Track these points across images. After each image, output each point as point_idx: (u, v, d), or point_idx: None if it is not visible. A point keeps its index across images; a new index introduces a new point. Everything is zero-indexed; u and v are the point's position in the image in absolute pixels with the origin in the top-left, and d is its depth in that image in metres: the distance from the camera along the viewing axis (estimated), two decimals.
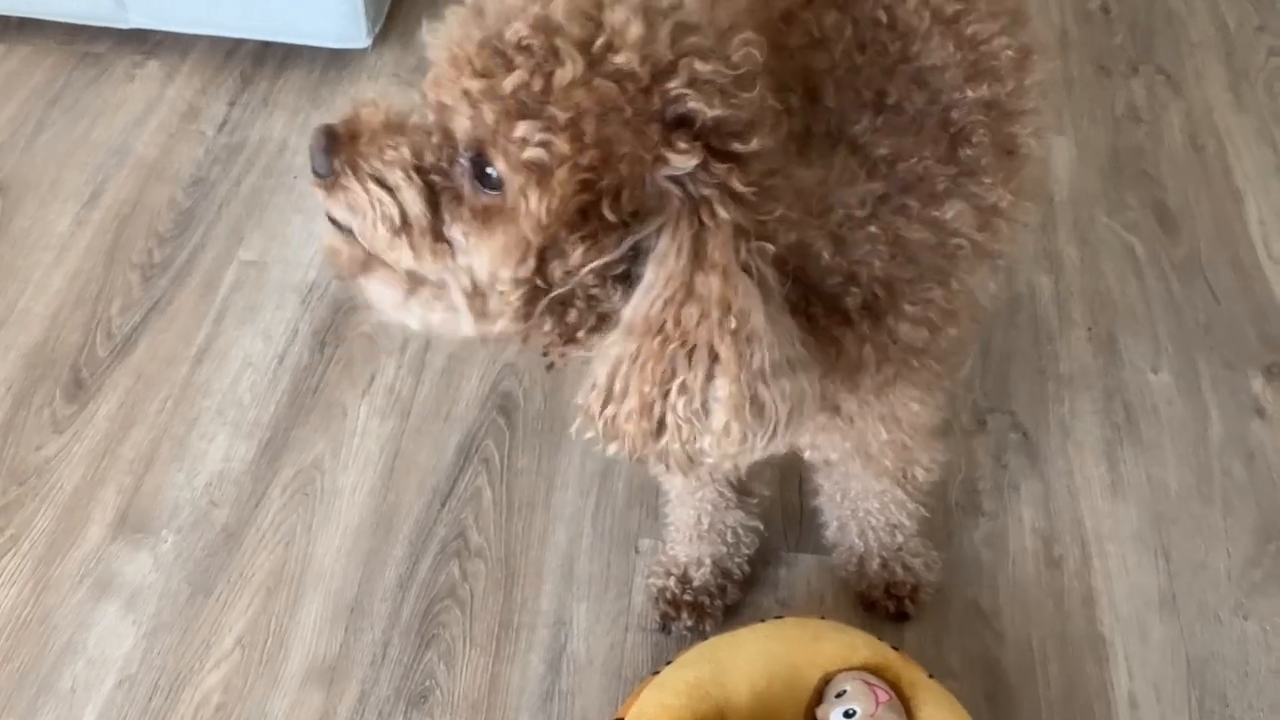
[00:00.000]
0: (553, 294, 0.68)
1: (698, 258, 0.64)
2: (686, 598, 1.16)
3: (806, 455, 0.96)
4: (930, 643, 1.17)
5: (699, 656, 1.02)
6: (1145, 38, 1.84)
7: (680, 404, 0.66)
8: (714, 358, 0.65)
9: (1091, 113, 1.72)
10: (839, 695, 0.96)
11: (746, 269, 0.64)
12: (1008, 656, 1.16)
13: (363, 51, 1.75)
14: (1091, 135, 1.68)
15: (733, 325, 0.64)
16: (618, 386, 0.67)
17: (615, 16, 0.64)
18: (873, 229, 0.77)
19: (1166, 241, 1.55)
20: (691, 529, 1.14)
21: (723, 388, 0.65)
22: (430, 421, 1.34)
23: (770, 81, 0.71)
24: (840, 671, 0.99)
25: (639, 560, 1.23)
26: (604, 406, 0.68)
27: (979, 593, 1.21)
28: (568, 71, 0.62)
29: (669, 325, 0.65)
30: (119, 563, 1.21)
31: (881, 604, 1.18)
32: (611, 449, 0.69)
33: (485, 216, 0.65)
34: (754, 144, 0.65)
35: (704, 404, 0.66)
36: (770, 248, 0.66)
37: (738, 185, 0.64)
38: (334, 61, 1.76)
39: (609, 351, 0.67)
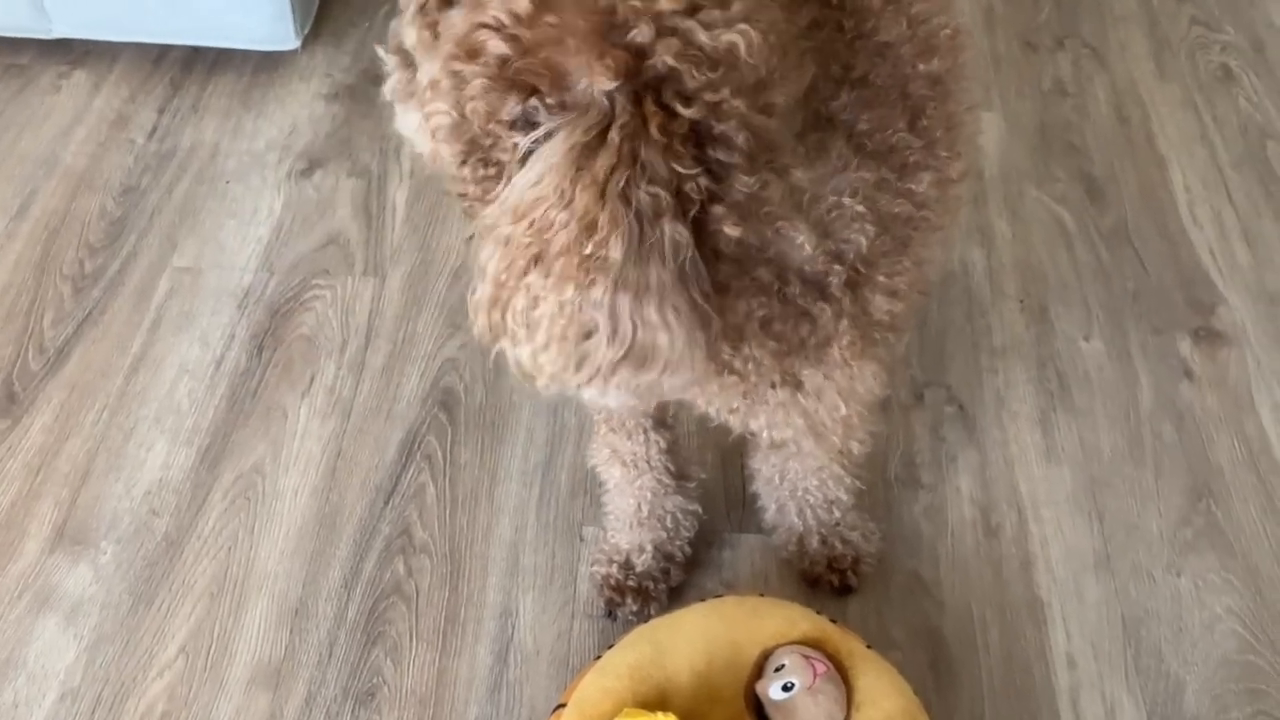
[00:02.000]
0: (472, 135, 0.68)
1: (580, 168, 0.63)
2: (630, 583, 1.16)
3: (762, 436, 0.97)
4: (873, 615, 1.18)
5: (639, 639, 1.02)
6: (1070, 12, 1.87)
7: (518, 305, 0.65)
8: (557, 272, 0.63)
9: (1019, 88, 1.74)
10: (778, 669, 0.97)
11: (627, 201, 0.63)
12: (949, 625, 1.18)
13: (293, 53, 1.74)
14: (1019, 110, 1.71)
15: (586, 249, 0.62)
16: (485, 267, 0.66)
17: None
18: (860, 208, 0.78)
19: (1094, 212, 1.57)
20: (631, 516, 1.15)
21: (549, 304, 0.63)
22: (371, 420, 1.34)
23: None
24: (779, 646, 1.00)
25: (584, 549, 1.23)
26: (474, 290, 0.67)
27: (919, 564, 1.22)
28: None
29: (535, 220, 0.64)
30: (58, 576, 1.20)
31: (825, 579, 1.19)
32: (480, 337, 0.68)
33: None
34: (692, 110, 0.64)
35: (534, 314, 0.64)
36: (668, 203, 0.65)
37: (654, 132, 0.63)
38: (264, 64, 1.75)
39: (487, 227, 0.67)
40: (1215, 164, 1.63)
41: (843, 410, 0.90)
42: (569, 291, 0.63)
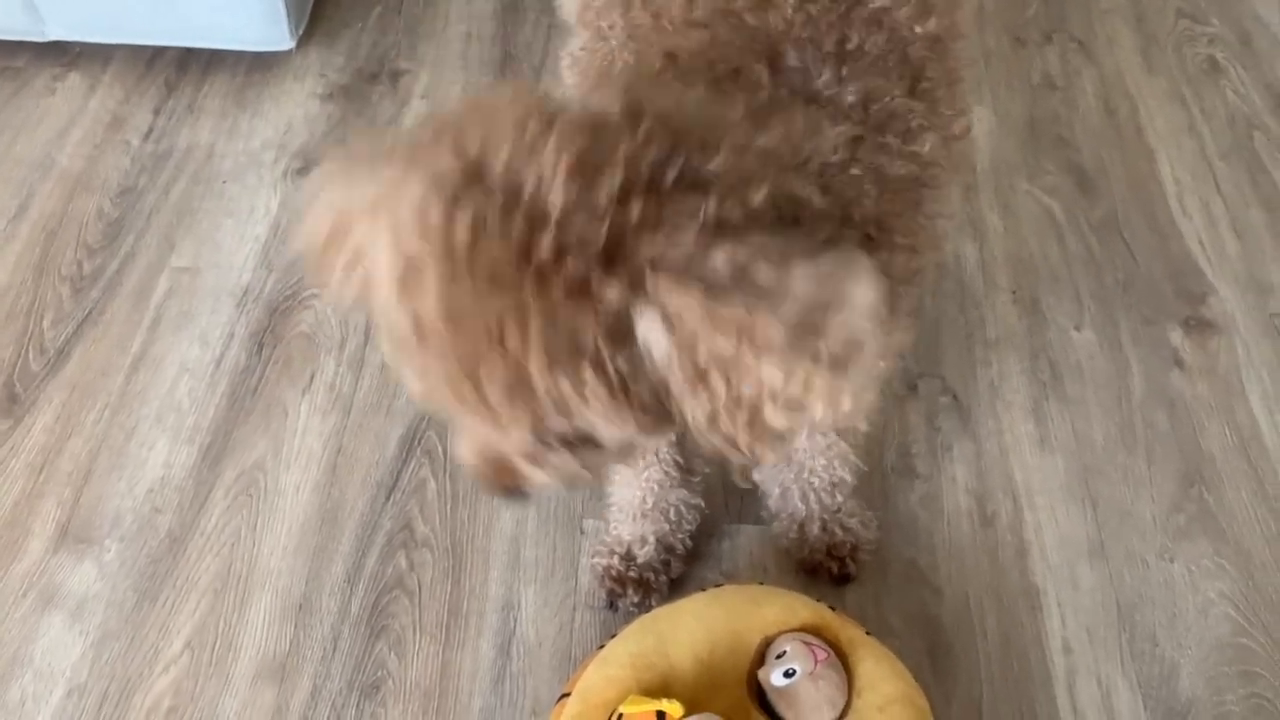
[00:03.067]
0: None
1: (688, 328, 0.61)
2: (632, 574, 1.18)
3: None
4: (871, 604, 1.20)
5: (641, 629, 1.04)
6: (1058, 7, 1.88)
7: (768, 409, 0.63)
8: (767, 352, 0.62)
9: (1009, 83, 1.76)
10: (779, 656, 0.99)
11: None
12: (946, 612, 1.19)
13: (287, 53, 1.74)
14: (1009, 105, 1.72)
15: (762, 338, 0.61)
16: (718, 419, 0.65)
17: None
18: (855, 171, 0.78)
19: (1085, 204, 1.59)
20: (636, 508, 1.16)
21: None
22: (372, 416, 1.35)
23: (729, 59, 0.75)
24: (780, 634, 1.02)
25: (584, 541, 1.24)
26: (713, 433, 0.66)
27: (916, 552, 1.24)
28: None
29: (710, 366, 0.62)
30: (63, 574, 1.21)
31: (825, 566, 1.20)
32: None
33: None
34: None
35: (789, 399, 0.63)
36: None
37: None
38: (259, 64, 1.76)
39: (690, 409, 0.65)
40: (1203, 155, 1.65)
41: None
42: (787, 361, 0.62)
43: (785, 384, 0.62)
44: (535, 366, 0.60)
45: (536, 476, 0.73)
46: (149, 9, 1.67)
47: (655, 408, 0.65)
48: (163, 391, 1.37)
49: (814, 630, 1.02)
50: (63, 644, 1.16)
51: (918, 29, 0.86)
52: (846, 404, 0.64)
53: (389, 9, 1.85)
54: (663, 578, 1.19)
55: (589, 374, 0.61)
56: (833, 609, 1.07)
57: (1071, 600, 1.20)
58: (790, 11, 0.84)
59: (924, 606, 1.20)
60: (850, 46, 0.83)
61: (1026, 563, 1.23)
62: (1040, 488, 1.29)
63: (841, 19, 0.84)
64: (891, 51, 0.85)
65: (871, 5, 0.85)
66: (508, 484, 0.74)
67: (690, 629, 1.02)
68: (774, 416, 0.63)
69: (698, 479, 1.19)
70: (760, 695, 0.99)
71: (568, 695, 1.03)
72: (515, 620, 1.19)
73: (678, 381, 0.63)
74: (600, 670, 1.01)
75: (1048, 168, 1.64)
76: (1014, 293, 1.48)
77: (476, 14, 1.85)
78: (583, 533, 1.25)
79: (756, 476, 1.22)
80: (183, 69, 1.76)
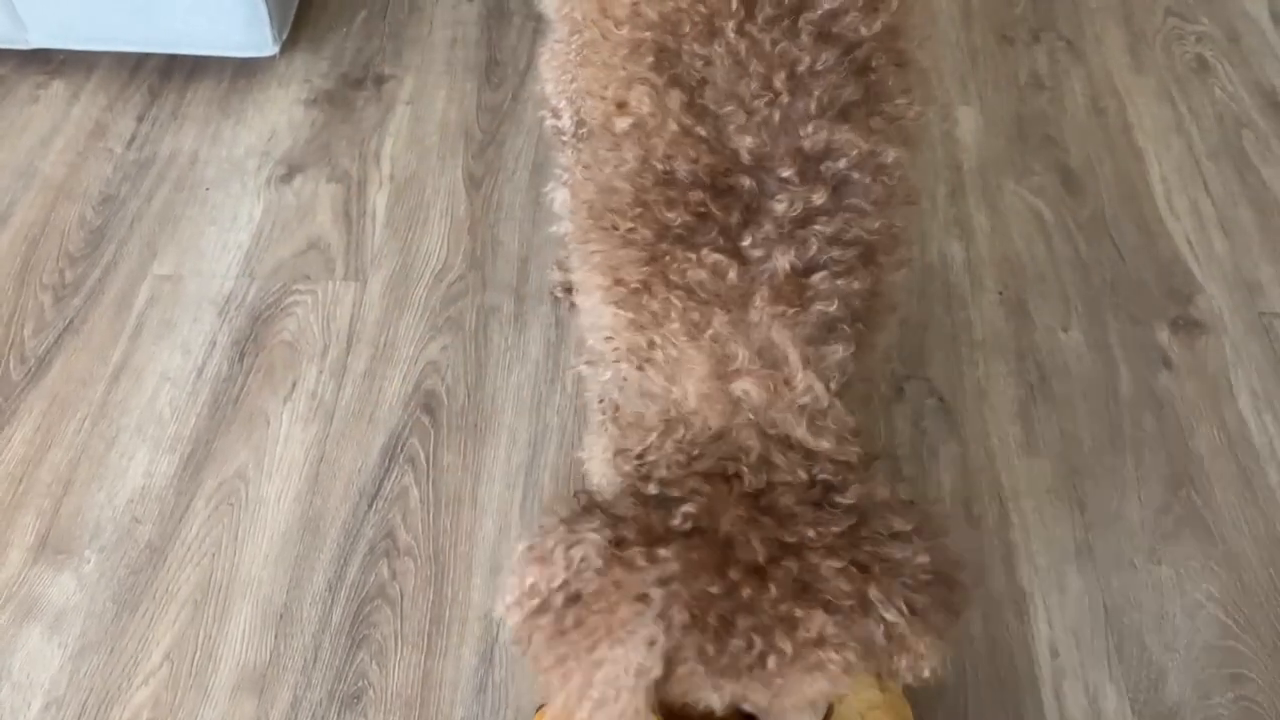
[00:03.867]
0: None
1: None
2: None
3: None
4: None
5: None
6: (1045, 6, 1.87)
7: None
8: None
9: (996, 82, 1.75)
10: None
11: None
12: None
13: (271, 59, 1.74)
14: (997, 104, 1.71)
15: None
16: None
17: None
18: (841, 283, 0.79)
19: (1072, 204, 1.58)
20: None
21: None
22: (354, 425, 1.34)
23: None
24: None
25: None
26: None
27: None
28: None
29: None
30: (41, 585, 1.20)
31: None
32: None
33: None
34: None
35: None
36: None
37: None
38: (243, 70, 1.75)
39: None
40: (1192, 154, 1.64)
41: None
42: None
43: None
44: None
45: None
46: (132, 16, 1.66)
47: None
48: (144, 401, 1.36)
49: None
50: (41, 656, 1.15)
51: (863, 30, 0.85)
52: None
53: (373, 14, 1.84)
54: None
55: None
56: None
57: (1058, 603, 1.19)
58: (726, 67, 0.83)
59: None
60: (800, 67, 0.82)
61: (1013, 566, 1.22)
62: (1027, 490, 1.28)
63: (788, 55, 0.82)
64: (845, 63, 0.83)
65: (820, 9, 0.84)
66: None
67: None
68: None
69: None
70: None
71: (543, 707, 1.02)
72: (498, 628, 1.18)
73: None
74: None
75: (1035, 167, 1.63)
76: (1001, 293, 1.47)
77: (461, 19, 1.84)
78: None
79: None
80: (166, 76, 1.75)
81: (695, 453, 0.76)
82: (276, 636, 1.17)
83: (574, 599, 0.71)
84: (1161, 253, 1.52)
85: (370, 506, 1.27)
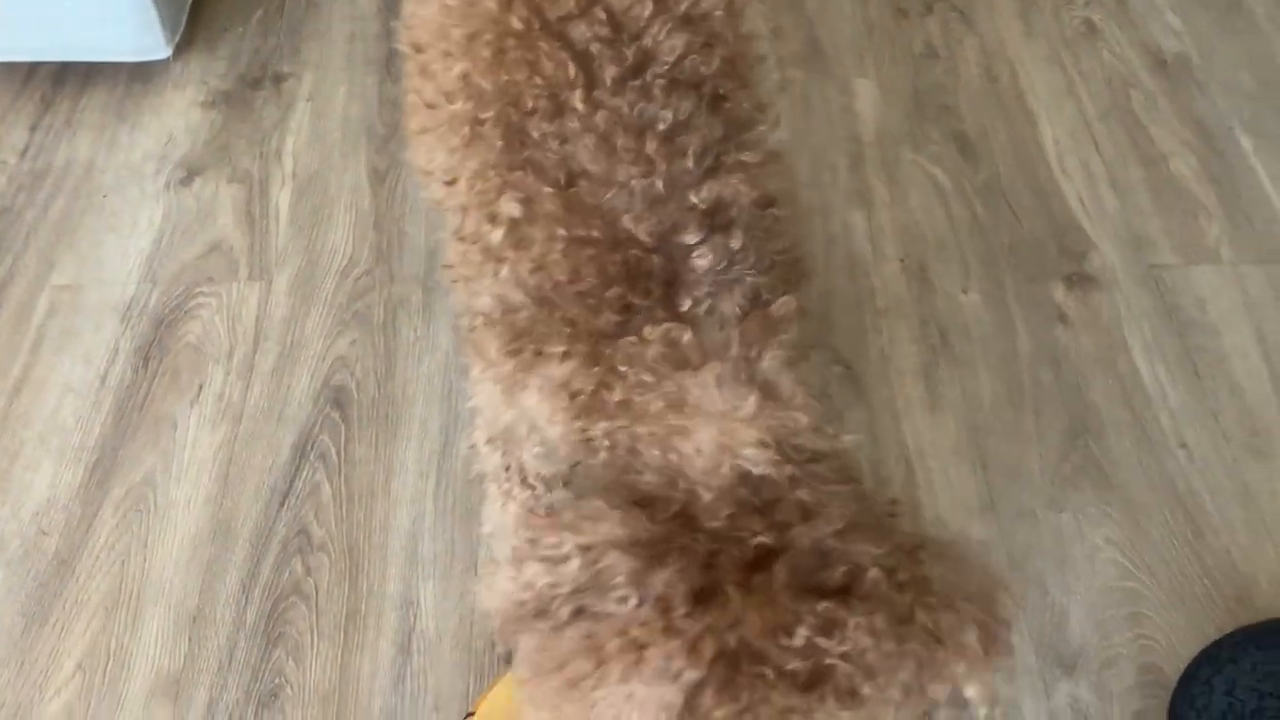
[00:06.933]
0: None
1: None
2: None
3: None
4: None
5: None
6: None
7: None
8: None
9: (892, 54, 1.78)
10: None
11: None
12: None
13: (165, 62, 1.71)
14: (893, 76, 1.74)
15: None
16: None
17: None
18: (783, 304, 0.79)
19: (969, 170, 1.61)
20: None
21: None
22: (263, 424, 1.33)
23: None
24: None
25: (483, 533, 1.24)
26: None
27: None
28: None
29: None
30: None
31: None
32: None
33: None
34: None
35: None
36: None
37: None
38: (138, 74, 1.72)
39: None
40: (1082, 117, 1.69)
41: None
42: None
43: None
44: None
45: None
46: (19, 24, 1.63)
47: None
48: (46, 412, 1.34)
49: None
50: None
51: (704, 70, 0.84)
52: None
53: (270, 12, 1.83)
54: None
55: None
56: None
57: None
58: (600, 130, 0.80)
59: None
60: (662, 126, 0.80)
61: (920, 524, 1.25)
62: (932, 450, 1.31)
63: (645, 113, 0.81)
64: (701, 111, 0.82)
65: (662, 62, 0.83)
66: None
67: None
68: None
69: None
70: None
71: (472, 715, 1.02)
72: (415, 616, 1.18)
73: None
74: (505, 690, 1.01)
75: (932, 136, 1.66)
76: (902, 260, 1.50)
77: (360, 14, 1.83)
78: (481, 525, 1.25)
79: None
80: (59, 84, 1.72)
81: (738, 493, 0.69)
82: (191, 640, 1.16)
83: (582, 612, 0.64)
84: (1055, 213, 1.56)
85: (282, 504, 1.27)
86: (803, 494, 0.67)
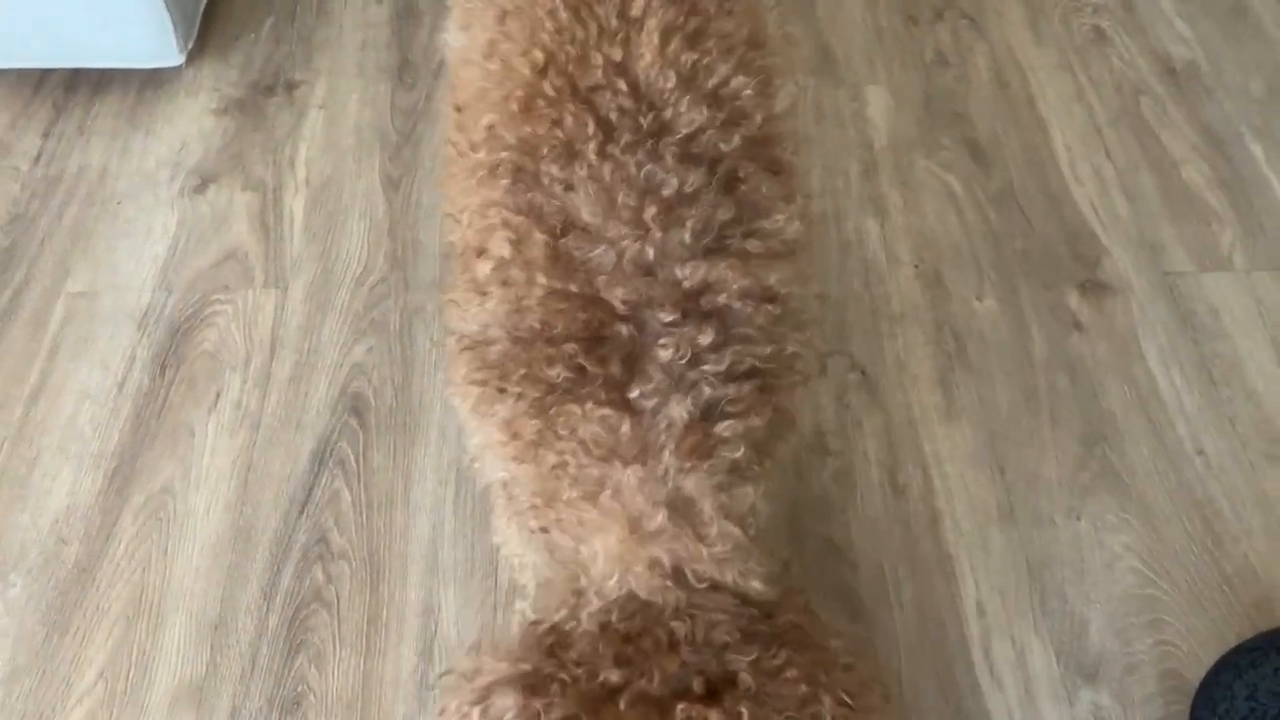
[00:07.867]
0: None
1: None
2: None
3: None
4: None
5: None
6: None
7: None
8: None
9: (903, 61, 1.78)
10: None
11: None
12: (862, 585, 1.21)
13: (178, 69, 1.71)
14: (904, 83, 1.75)
15: None
16: None
17: None
18: (741, 424, 0.77)
19: (981, 176, 1.62)
20: None
21: None
22: (281, 432, 1.33)
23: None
24: None
25: (495, 543, 1.24)
26: None
27: (830, 529, 1.25)
28: None
29: None
30: None
31: None
32: None
33: None
34: None
35: None
36: None
37: None
38: (150, 81, 1.72)
39: None
40: (1093, 122, 1.69)
41: None
42: None
43: None
44: None
45: None
46: (32, 31, 1.63)
47: None
48: (64, 420, 1.34)
49: None
50: None
51: (723, 147, 0.82)
52: None
53: (282, 19, 1.83)
54: None
55: None
56: None
57: (983, 564, 1.23)
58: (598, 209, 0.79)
59: (840, 581, 1.22)
60: (666, 193, 0.78)
61: (939, 531, 1.26)
62: (949, 456, 1.32)
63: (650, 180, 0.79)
64: (711, 185, 0.80)
65: (678, 133, 0.81)
66: None
67: None
68: None
69: None
70: None
71: None
72: (436, 624, 1.18)
73: None
74: None
75: (944, 143, 1.66)
76: (916, 267, 1.51)
77: (371, 21, 1.83)
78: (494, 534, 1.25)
79: None
80: (72, 91, 1.72)
81: (612, 618, 0.71)
82: (212, 648, 1.16)
83: None
84: (1068, 219, 1.56)
85: (301, 512, 1.27)
86: (677, 625, 0.69)
